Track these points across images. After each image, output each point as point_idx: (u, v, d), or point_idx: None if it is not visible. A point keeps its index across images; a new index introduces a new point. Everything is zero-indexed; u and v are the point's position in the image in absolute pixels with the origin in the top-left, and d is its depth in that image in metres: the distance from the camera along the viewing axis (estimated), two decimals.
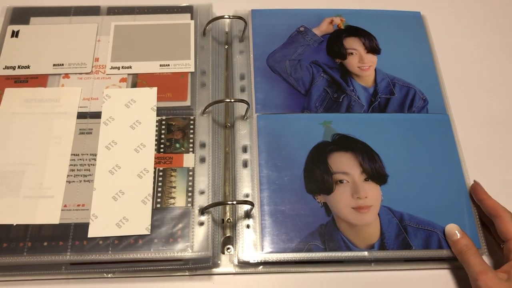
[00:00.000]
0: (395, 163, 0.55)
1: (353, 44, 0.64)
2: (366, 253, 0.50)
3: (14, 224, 0.50)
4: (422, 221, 0.52)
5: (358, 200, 0.53)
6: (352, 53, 0.64)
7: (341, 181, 0.54)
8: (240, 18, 0.63)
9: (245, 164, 0.55)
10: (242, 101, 0.57)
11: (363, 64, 0.63)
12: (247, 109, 0.57)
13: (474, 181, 0.54)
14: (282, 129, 0.57)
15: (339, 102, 0.60)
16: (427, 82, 0.62)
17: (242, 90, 0.61)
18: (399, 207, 0.53)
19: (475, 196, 0.53)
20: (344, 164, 0.55)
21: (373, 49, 0.64)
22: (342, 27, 0.66)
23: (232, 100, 0.58)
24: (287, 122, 0.58)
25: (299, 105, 0.60)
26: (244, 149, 0.56)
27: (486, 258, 0.52)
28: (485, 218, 0.53)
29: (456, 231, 0.50)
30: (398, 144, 0.57)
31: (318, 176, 0.54)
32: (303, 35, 0.65)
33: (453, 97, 0.62)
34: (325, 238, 0.51)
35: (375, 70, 0.63)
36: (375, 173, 0.55)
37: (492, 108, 0.64)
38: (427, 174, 0.55)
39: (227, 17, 0.63)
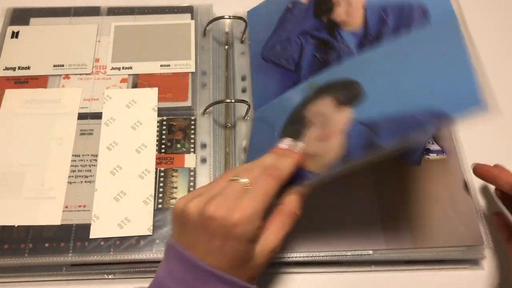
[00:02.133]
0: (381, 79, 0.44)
1: None
2: (371, 252, 0.50)
3: (16, 226, 0.50)
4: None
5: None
6: (339, 3, 0.54)
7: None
8: (240, 18, 0.63)
9: None
10: (242, 101, 0.57)
11: (351, 8, 0.53)
12: (247, 110, 0.57)
13: (473, 164, 0.46)
14: (273, 119, 0.52)
15: (329, 63, 0.52)
16: None
17: (243, 91, 0.60)
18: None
19: (485, 177, 0.45)
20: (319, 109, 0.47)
21: None
22: None
23: (233, 101, 0.58)
24: (278, 109, 0.53)
25: (290, 84, 0.54)
26: (245, 150, 0.56)
27: (491, 253, 0.52)
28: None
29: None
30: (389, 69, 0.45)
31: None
32: (292, 12, 0.59)
33: None
34: None
35: (365, 8, 0.52)
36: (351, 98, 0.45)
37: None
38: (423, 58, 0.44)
39: (227, 17, 0.63)
